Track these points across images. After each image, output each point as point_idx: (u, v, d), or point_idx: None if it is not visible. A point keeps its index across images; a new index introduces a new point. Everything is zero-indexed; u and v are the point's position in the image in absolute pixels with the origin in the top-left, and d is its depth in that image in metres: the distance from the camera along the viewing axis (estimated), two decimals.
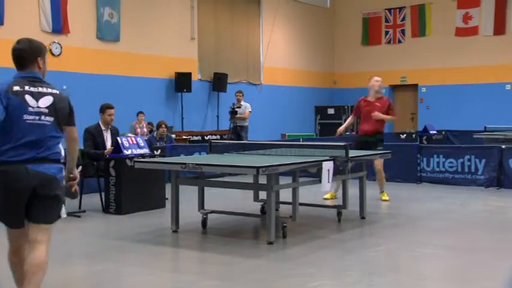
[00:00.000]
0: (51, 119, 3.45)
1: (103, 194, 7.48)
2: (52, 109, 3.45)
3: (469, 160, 9.67)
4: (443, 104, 18.44)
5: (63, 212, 3.64)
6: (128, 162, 7.24)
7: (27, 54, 3.47)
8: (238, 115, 13.14)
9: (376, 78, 8.28)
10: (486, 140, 11.73)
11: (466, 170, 9.70)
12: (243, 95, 13.51)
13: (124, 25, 13.37)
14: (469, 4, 18.02)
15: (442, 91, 18.54)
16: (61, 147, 3.61)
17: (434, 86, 18.75)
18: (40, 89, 3.44)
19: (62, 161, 3.58)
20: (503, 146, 9.63)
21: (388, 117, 8.16)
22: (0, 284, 4.25)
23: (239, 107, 13.27)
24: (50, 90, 3.49)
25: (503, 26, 17.50)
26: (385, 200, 8.21)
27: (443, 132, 15.98)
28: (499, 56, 17.35)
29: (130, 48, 13.51)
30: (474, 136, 12.74)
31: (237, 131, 13.19)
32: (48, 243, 3.46)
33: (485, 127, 14.57)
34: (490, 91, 17.52)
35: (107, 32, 13.11)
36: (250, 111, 13.30)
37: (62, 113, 3.51)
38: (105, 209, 7.40)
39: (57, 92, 3.53)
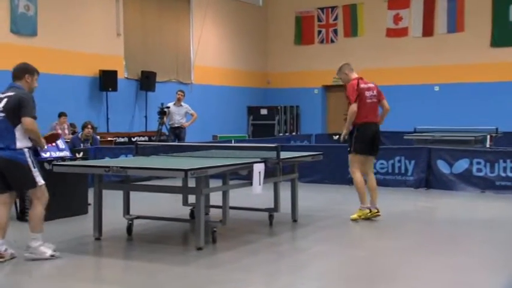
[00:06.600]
0: (2, 115, 4.97)
1: (17, 200, 6.94)
2: (5, 108, 4.97)
3: (399, 161, 9.77)
4: None
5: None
6: (46, 165, 6.76)
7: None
8: (187, 122, 12.89)
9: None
10: (416, 141, 11.92)
11: (397, 171, 9.78)
12: (184, 95, 13.12)
13: (42, 18, 12.59)
14: (400, 5, 18.43)
15: None
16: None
17: None
18: (1, 95, 5.05)
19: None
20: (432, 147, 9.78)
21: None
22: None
23: (168, 107, 12.92)
24: (7, 94, 5.04)
25: (432, 28, 18.02)
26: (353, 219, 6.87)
27: None
28: (428, 58, 17.81)
29: (49, 44, 12.74)
30: (404, 137, 12.93)
31: (177, 133, 12.87)
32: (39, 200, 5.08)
33: (415, 128, 14.87)
34: (419, 92, 17.93)
35: (23, 26, 12.29)
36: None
37: (12, 109, 4.94)
38: (20, 217, 6.92)
39: (12, 94, 5.04)
